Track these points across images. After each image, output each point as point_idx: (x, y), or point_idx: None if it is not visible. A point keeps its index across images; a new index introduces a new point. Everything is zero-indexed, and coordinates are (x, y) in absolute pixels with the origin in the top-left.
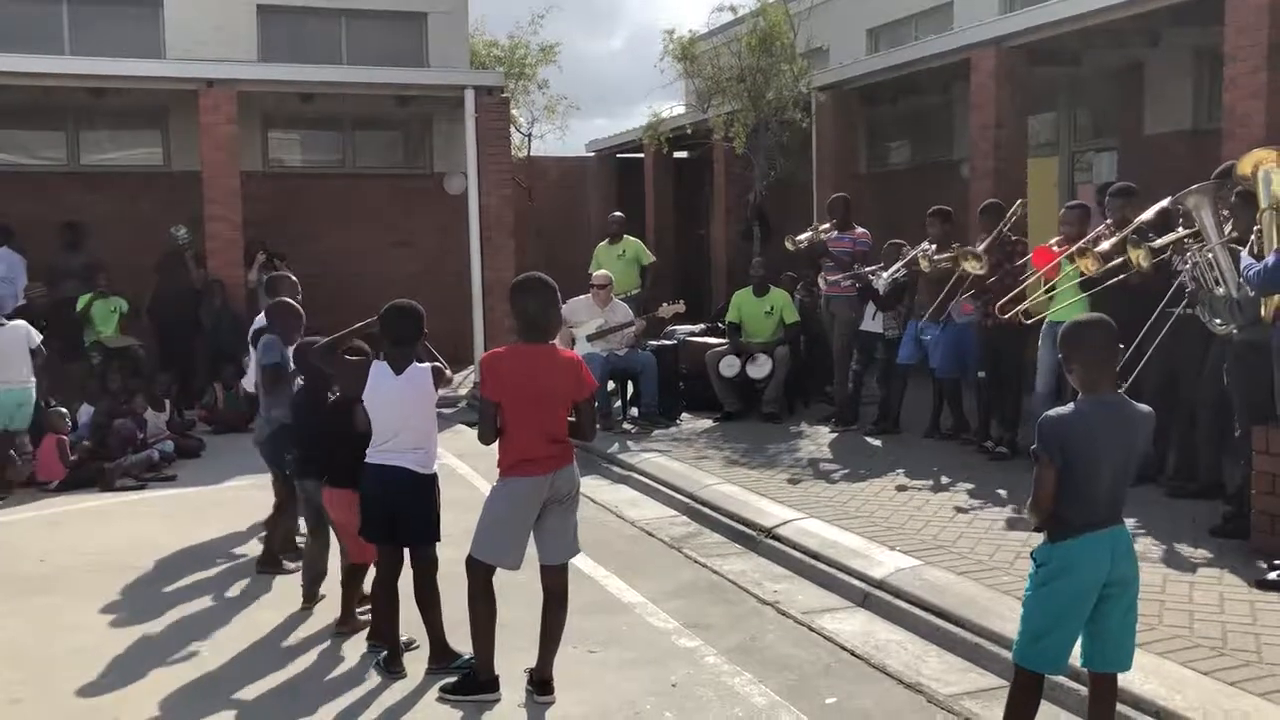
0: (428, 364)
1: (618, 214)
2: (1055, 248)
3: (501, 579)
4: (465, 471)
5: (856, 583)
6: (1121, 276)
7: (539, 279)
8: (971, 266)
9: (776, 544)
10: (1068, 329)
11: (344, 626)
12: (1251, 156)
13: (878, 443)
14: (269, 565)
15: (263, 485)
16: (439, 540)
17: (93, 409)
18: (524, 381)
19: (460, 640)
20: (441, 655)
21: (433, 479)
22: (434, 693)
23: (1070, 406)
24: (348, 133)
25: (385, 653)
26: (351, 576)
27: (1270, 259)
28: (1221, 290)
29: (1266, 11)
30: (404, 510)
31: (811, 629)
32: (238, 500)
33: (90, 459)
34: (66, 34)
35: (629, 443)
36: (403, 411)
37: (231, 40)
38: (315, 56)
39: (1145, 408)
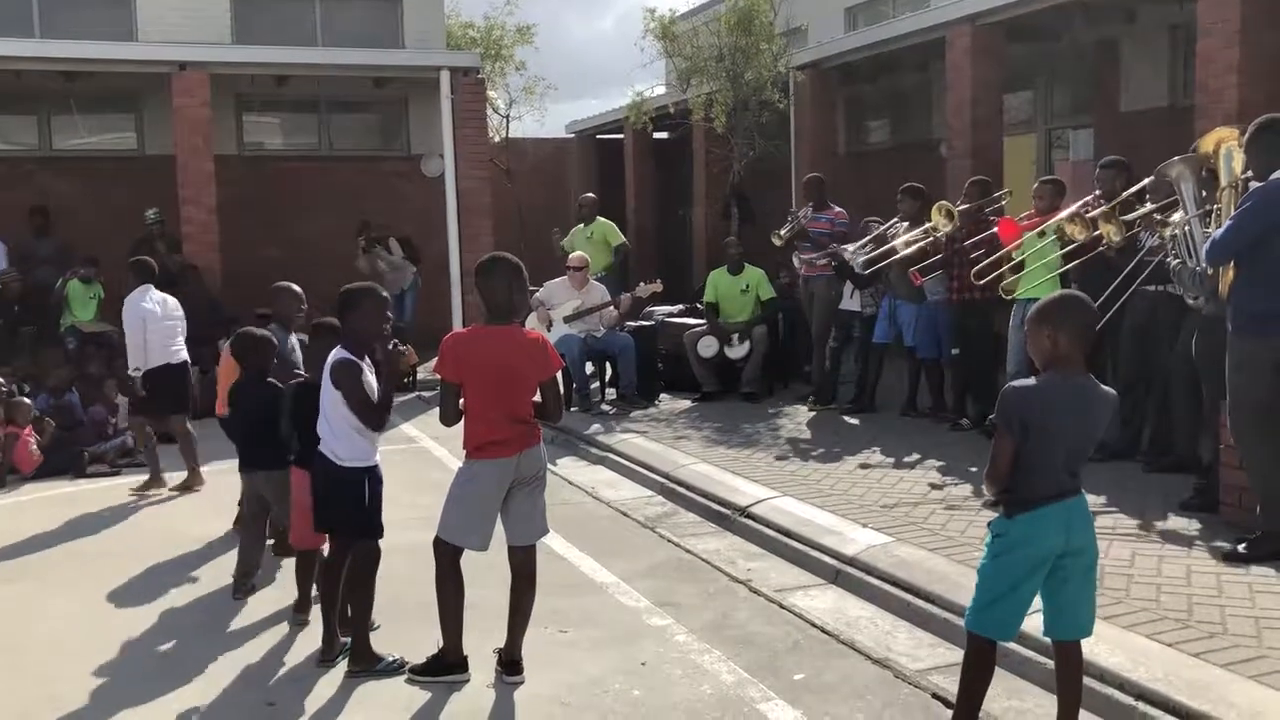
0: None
1: (589, 195)
2: (1022, 221)
3: (473, 560)
4: (441, 454)
5: (828, 560)
6: (1098, 250)
7: (502, 259)
8: (940, 223)
9: (750, 523)
10: (1052, 301)
11: (303, 614)
12: (1214, 135)
13: (855, 421)
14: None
15: (235, 469)
16: None
17: (48, 395)
18: (487, 363)
19: (430, 621)
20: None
21: None
22: (403, 674)
23: (1034, 380)
24: (323, 115)
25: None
26: (307, 563)
27: (1218, 233)
28: (1192, 263)
29: None
30: None
31: (782, 606)
32: (211, 485)
33: (63, 445)
34: (36, 17)
35: (607, 424)
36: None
37: (204, 23)
38: (289, 38)
39: (1109, 390)
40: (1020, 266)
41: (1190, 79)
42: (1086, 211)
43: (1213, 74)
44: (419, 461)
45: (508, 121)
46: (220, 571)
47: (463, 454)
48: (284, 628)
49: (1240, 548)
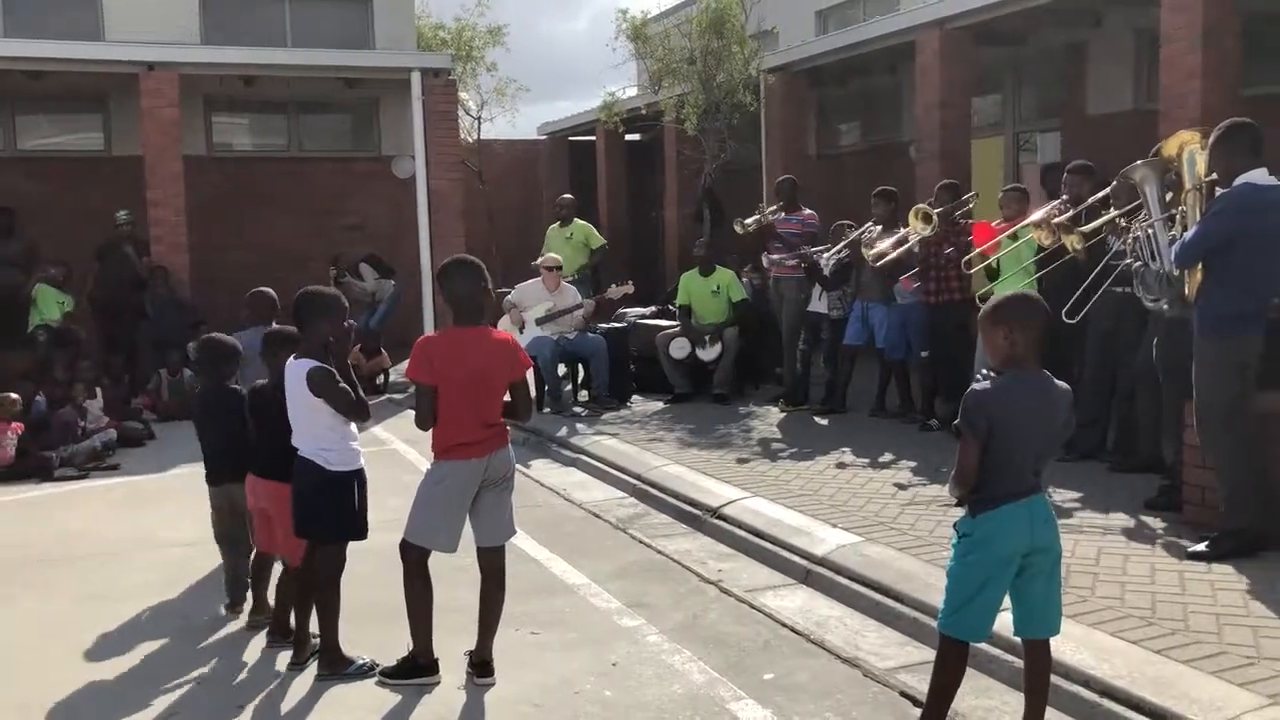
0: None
1: (567, 196)
2: (996, 225)
3: (443, 562)
4: (412, 457)
5: (798, 560)
6: (1067, 257)
7: (465, 260)
8: (918, 227)
9: (722, 523)
10: (1003, 299)
11: (260, 616)
12: (1176, 138)
13: (824, 422)
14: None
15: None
16: None
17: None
18: (459, 366)
19: (400, 624)
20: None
21: None
22: (373, 676)
23: (992, 381)
24: (294, 116)
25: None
26: (277, 574)
27: (1188, 235)
28: (1156, 265)
29: None
30: None
31: (753, 606)
32: (180, 489)
33: (30, 449)
34: (0, 16)
35: (579, 426)
36: None
37: (172, 22)
38: (259, 39)
39: (1064, 385)
40: (994, 269)
41: (1155, 82)
42: (1053, 217)
43: (1176, 79)
44: (390, 464)
45: (479, 123)
46: (190, 575)
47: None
48: (253, 632)
49: (1202, 546)
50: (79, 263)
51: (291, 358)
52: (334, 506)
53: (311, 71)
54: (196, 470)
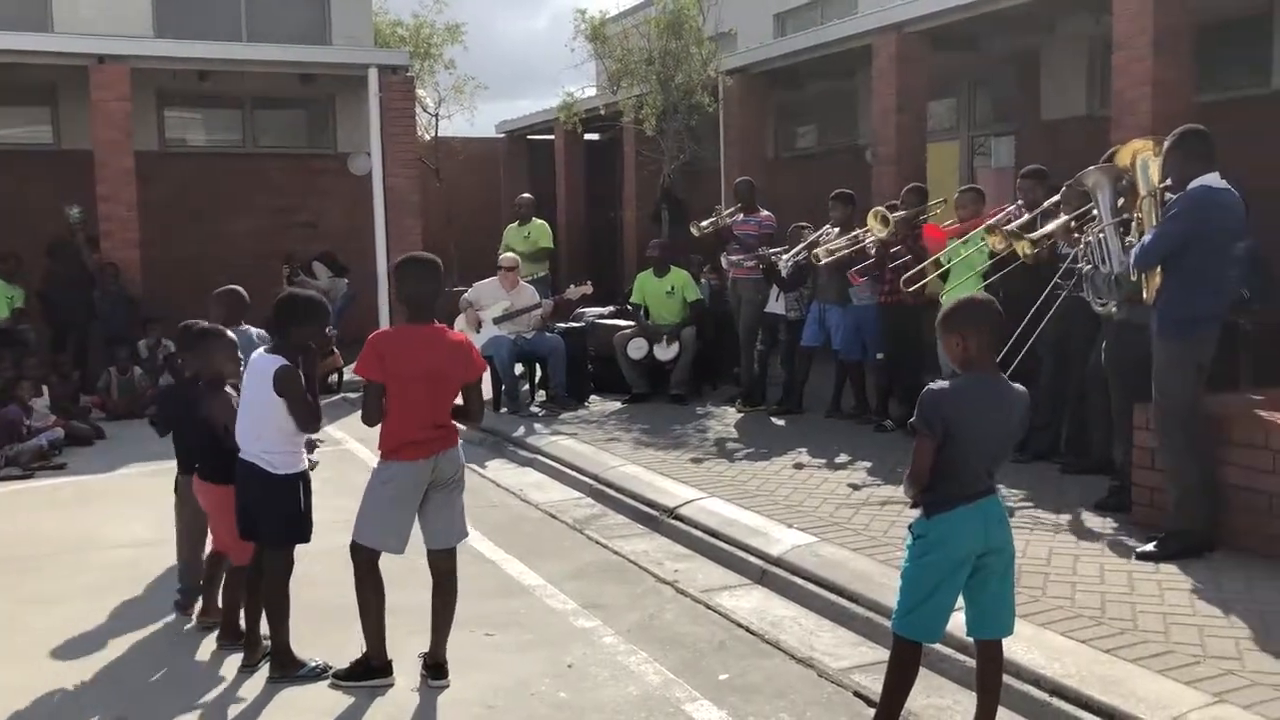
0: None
1: (526, 195)
2: (948, 227)
3: (396, 563)
4: (365, 456)
5: (754, 560)
6: (1018, 261)
7: (421, 258)
8: (876, 228)
9: (678, 524)
10: (956, 304)
11: (209, 618)
12: (1129, 147)
13: (781, 423)
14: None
15: (155, 472)
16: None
17: None
18: (413, 364)
19: (354, 626)
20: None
21: None
22: (326, 679)
23: (949, 382)
24: (248, 111)
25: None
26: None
27: (1145, 239)
28: (1106, 269)
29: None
30: None
31: (709, 607)
32: (129, 489)
33: None
34: None
35: (536, 426)
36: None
37: (123, 14)
38: (214, 32)
39: (1020, 388)
40: (948, 272)
41: (1109, 88)
42: (1007, 222)
43: (1128, 85)
44: (343, 463)
45: (437, 120)
46: (139, 576)
47: None
48: (204, 634)
49: (1150, 546)
50: (28, 258)
51: (260, 350)
52: (279, 510)
53: (267, 67)
54: (146, 469)
